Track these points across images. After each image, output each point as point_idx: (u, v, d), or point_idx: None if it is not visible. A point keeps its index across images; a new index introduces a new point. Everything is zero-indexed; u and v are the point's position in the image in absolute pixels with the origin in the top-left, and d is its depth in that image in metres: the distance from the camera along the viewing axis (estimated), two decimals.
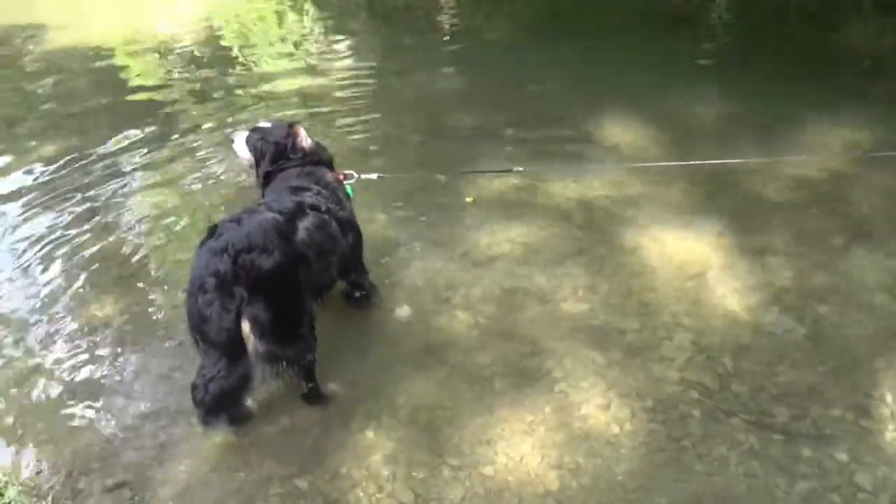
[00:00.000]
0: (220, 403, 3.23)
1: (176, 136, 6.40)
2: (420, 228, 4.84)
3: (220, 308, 2.97)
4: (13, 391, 3.74)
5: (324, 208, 3.50)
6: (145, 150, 6.16)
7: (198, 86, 7.72)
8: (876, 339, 3.75)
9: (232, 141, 4.05)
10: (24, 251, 4.85)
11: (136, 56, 8.89)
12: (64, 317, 4.24)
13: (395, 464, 3.25)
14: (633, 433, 3.32)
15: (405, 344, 3.90)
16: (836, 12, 9.20)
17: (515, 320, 4.02)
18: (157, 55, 8.80)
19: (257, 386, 3.35)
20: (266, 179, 3.78)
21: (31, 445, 3.44)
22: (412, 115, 6.65)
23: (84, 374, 3.82)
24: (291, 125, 3.83)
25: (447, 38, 9.14)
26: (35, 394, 3.72)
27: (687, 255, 4.42)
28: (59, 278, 4.56)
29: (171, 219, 5.14)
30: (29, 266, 4.71)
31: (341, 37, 9.27)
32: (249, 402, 3.47)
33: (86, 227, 5.08)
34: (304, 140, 3.82)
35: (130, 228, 5.04)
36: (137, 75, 8.12)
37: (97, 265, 4.65)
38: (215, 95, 7.38)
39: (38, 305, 4.33)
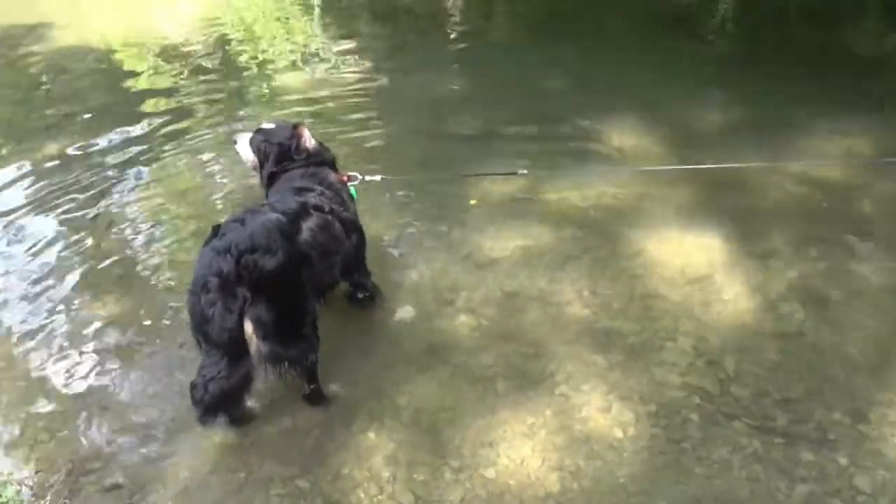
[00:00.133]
0: (220, 403, 3.21)
1: (178, 136, 6.39)
2: (423, 230, 4.84)
3: (223, 308, 2.96)
4: (12, 390, 3.73)
5: (327, 209, 3.51)
6: (147, 150, 6.16)
7: (200, 86, 7.70)
8: (877, 344, 3.75)
9: (234, 142, 4.06)
10: (25, 250, 4.84)
11: (137, 56, 8.88)
12: (64, 315, 4.23)
13: (396, 465, 3.25)
14: (634, 436, 3.32)
15: (407, 345, 3.91)
16: (837, 14, 9.22)
17: (518, 323, 4.02)
18: (158, 55, 8.79)
19: (259, 386, 3.36)
20: (270, 180, 3.78)
21: (29, 445, 3.44)
22: (415, 117, 6.65)
23: (84, 373, 3.82)
24: (295, 126, 3.83)
25: (451, 39, 9.14)
26: (34, 393, 3.72)
27: (689, 258, 4.42)
28: (60, 277, 4.55)
29: (173, 219, 5.14)
30: (29, 265, 4.70)
31: (345, 38, 9.26)
32: (251, 402, 3.47)
33: (87, 226, 5.08)
34: (308, 141, 3.82)
35: (132, 228, 5.03)
36: (139, 75, 8.11)
37: (98, 264, 4.65)
38: (217, 96, 7.37)
39: (38, 304, 4.32)
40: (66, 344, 4.01)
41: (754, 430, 3.31)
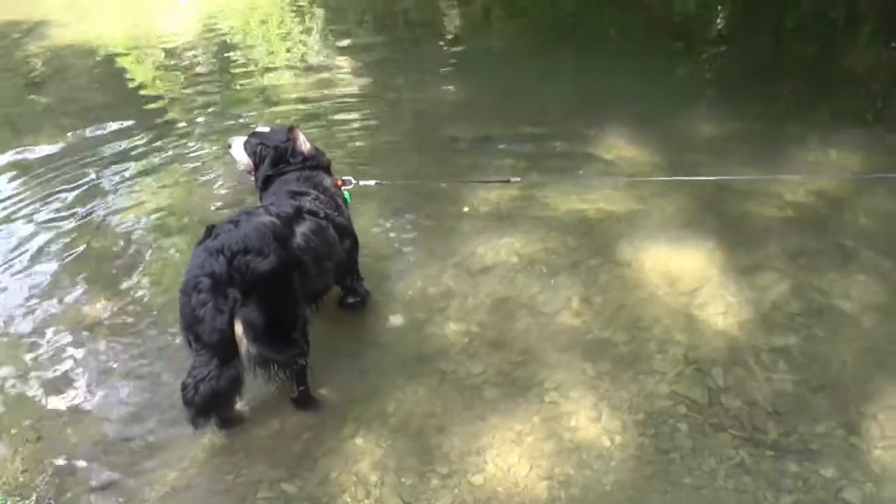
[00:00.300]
0: (211, 405, 3.20)
1: (173, 136, 6.41)
2: (416, 236, 4.85)
3: (214, 309, 2.97)
4: (0, 388, 3.72)
5: (322, 213, 3.52)
6: (142, 150, 6.17)
7: (196, 88, 7.73)
8: (866, 358, 3.76)
9: (229, 145, 4.05)
10: (17, 247, 4.84)
11: (136, 55, 8.90)
12: (55, 314, 4.23)
13: (383, 470, 3.25)
14: (622, 445, 3.33)
15: (397, 351, 3.91)
16: (831, 29, 9.30)
17: (508, 330, 4.02)
18: (157, 55, 8.81)
19: (248, 389, 3.35)
20: (265, 184, 3.78)
21: (16, 443, 3.43)
22: (411, 123, 6.67)
23: (73, 372, 3.81)
24: (291, 129, 3.84)
25: (447, 47, 9.17)
26: (22, 391, 3.71)
27: (680, 269, 4.43)
28: (52, 276, 4.55)
29: (166, 219, 5.15)
30: (21, 263, 4.70)
31: (342, 44, 9.29)
32: (241, 405, 3.46)
33: (80, 224, 5.09)
34: (304, 144, 3.83)
35: (125, 227, 5.04)
36: (137, 75, 8.13)
37: (90, 263, 4.66)
38: (213, 98, 7.39)
39: (29, 303, 4.32)
40: (53, 343, 4.01)
41: (742, 440, 3.31)
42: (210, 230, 3.16)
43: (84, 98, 7.50)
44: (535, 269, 4.47)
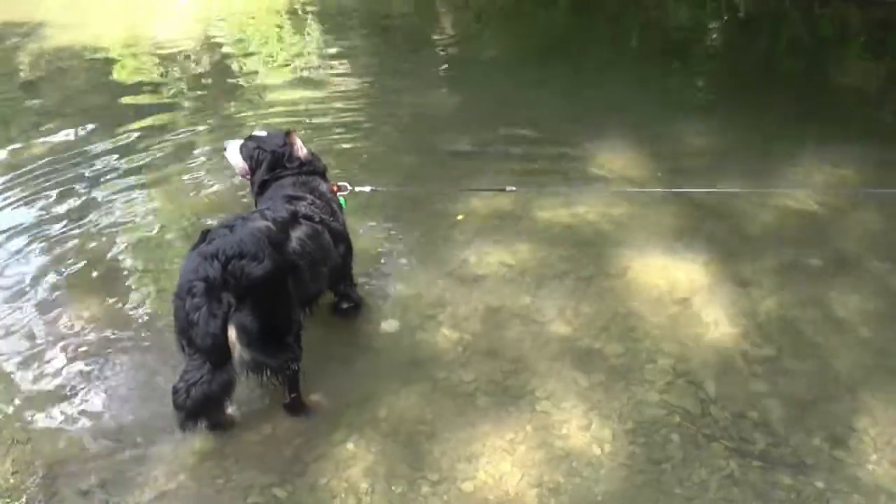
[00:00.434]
0: (202, 409, 3.18)
1: (167, 139, 6.41)
2: (410, 243, 4.86)
3: (208, 313, 2.96)
4: None
5: (317, 219, 3.52)
6: (137, 153, 6.17)
7: (191, 91, 7.74)
8: (856, 371, 3.78)
9: (224, 148, 4.06)
10: (9, 249, 4.82)
11: (133, 59, 8.90)
12: (47, 316, 4.21)
13: (374, 477, 3.24)
14: (613, 454, 3.33)
15: (390, 358, 3.91)
16: (823, 46, 9.38)
17: (500, 339, 4.03)
18: (154, 59, 8.82)
19: (240, 393, 3.35)
20: (261, 188, 3.79)
21: (6, 446, 3.40)
22: (407, 130, 6.69)
23: (64, 374, 3.80)
24: (287, 134, 3.84)
25: (442, 56, 9.22)
26: (12, 393, 3.69)
27: (672, 280, 4.45)
28: (44, 277, 4.54)
29: (160, 222, 5.14)
30: (13, 264, 4.69)
31: (338, 51, 9.32)
32: (233, 409, 3.46)
33: (73, 226, 5.08)
34: (301, 149, 3.83)
35: (118, 230, 5.03)
36: (134, 78, 8.13)
37: (83, 265, 4.64)
38: (209, 102, 7.41)
39: (20, 304, 4.31)
40: (45, 345, 3.99)
41: (732, 452, 3.32)
42: (205, 234, 3.16)
43: (78, 99, 7.49)
44: (528, 278, 4.49)
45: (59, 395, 3.66)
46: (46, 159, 6.05)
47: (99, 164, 5.97)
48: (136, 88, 7.86)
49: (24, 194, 5.51)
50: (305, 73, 8.43)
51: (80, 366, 3.85)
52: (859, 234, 4.94)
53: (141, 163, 6.02)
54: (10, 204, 5.38)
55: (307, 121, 6.82)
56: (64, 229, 5.04)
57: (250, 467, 3.28)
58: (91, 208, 5.30)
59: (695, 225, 5.03)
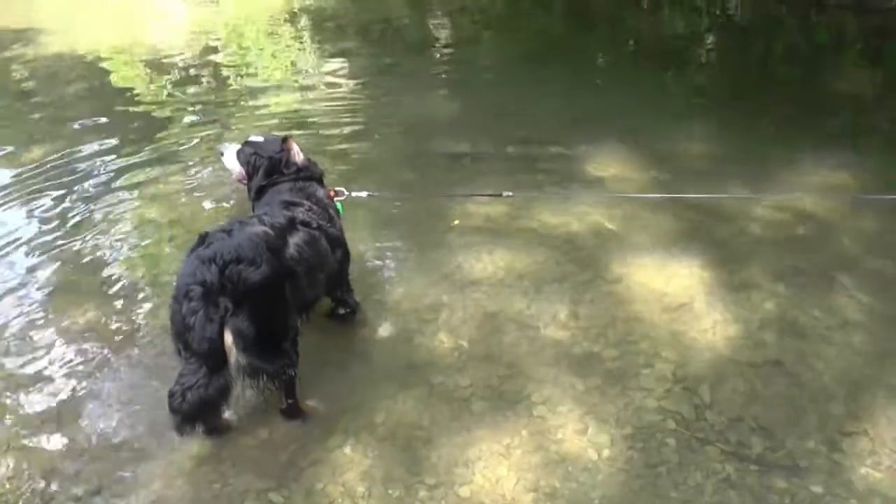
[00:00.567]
0: (198, 413, 3.18)
1: (162, 145, 6.42)
2: (406, 248, 4.87)
3: (204, 317, 2.96)
4: None
5: (315, 225, 3.52)
6: (132, 159, 6.18)
7: (187, 97, 7.76)
8: (853, 375, 3.78)
9: (221, 154, 4.05)
10: (4, 255, 4.82)
11: (127, 65, 8.92)
12: (43, 321, 4.21)
13: (371, 481, 3.24)
14: (610, 459, 3.33)
15: (386, 363, 3.91)
16: (819, 52, 9.42)
17: (496, 344, 4.03)
18: (147, 65, 8.83)
19: (236, 398, 3.35)
20: (258, 193, 3.79)
21: (2, 450, 3.40)
22: (402, 136, 6.70)
23: (60, 379, 3.79)
24: (284, 139, 3.85)
25: (439, 61, 9.24)
26: (8, 397, 3.68)
27: (669, 286, 4.46)
28: (40, 282, 4.54)
29: (156, 227, 5.15)
30: (6, 269, 4.68)
31: (334, 57, 9.34)
32: (229, 414, 3.46)
33: (69, 232, 5.08)
34: (298, 155, 3.84)
35: (113, 235, 5.03)
36: (127, 84, 8.14)
37: (77, 270, 4.64)
38: (204, 107, 7.41)
39: (16, 309, 4.30)
40: (41, 349, 3.99)
41: (729, 456, 3.33)
42: (202, 238, 3.16)
43: (73, 105, 7.50)
44: (525, 283, 4.49)
45: (55, 400, 3.66)
46: (41, 164, 6.05)
47: (93, 169, 5.97)
48: (132, 95, 7.87)
49: (18, 200, 5.51)
50: (302, 79, 8.45)
51: (75, 370, 3.84)
52: (856, 240, 4.95)
53: (136, 169, 6.03)
54: (5, 209, 5.37)
55: (304, 126, 6.82)
56: (59, 234, 5.04)
57: (247, 472, 3.28)
58: (86, 213, 5.31)
59: (691, 230, 5.04)
